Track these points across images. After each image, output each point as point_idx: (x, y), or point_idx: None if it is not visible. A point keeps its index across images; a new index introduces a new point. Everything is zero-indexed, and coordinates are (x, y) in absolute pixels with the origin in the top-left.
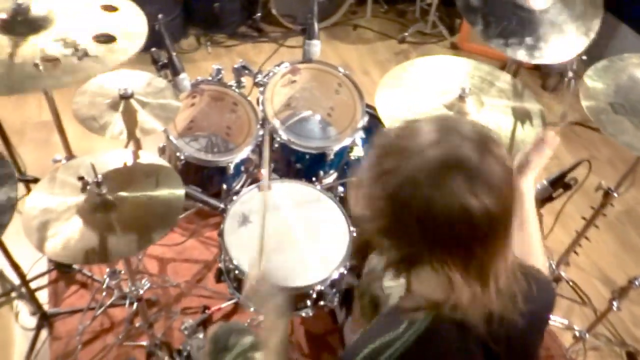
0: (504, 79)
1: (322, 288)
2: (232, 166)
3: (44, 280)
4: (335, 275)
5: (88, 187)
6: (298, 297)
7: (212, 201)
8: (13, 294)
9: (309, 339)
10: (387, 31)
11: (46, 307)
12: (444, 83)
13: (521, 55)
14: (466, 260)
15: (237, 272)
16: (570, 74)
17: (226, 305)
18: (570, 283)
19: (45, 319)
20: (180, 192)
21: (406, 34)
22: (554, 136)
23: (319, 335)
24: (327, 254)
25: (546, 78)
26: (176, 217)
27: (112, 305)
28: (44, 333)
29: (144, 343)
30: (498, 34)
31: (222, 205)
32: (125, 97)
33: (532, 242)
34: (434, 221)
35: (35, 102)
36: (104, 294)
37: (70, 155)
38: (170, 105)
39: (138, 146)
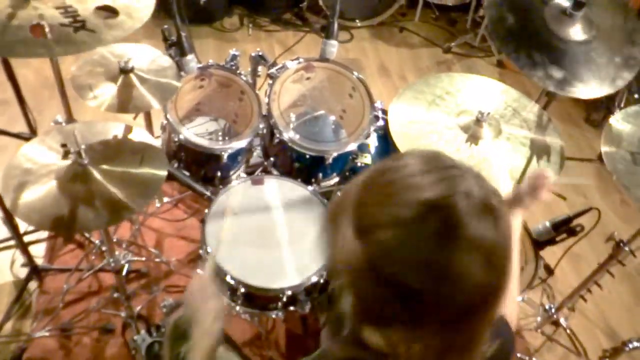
0: (531, 109)
1: (294, 293)
2: (225, 155)
3: (45, 233)
4: (310, 283)
5: (69, 156)
6: (269, 298)
7: (198, 187)
8: (4, 244)
9: (288, 338)
10: (433, 38)
11: (40, 261)
12: (465, 103)
13: (551, 86)
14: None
15: (208, 257)
16: (617, 111)
17: None
18: (568, 331)
19: (35, 273)
20: (162, 173)
21: (453, 44)
22: (549, 177)
23: (299, 336)
24: (306, 260)
25: (591, 111)
26: (151, 197)
27: (102, 270)
28: (33, 285)
29: (122, 314)
30: (532, 63)
31: (207, 193)
32: (125, 70)
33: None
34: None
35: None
36: (93, 257)
37: (70, 119)
38: (169, 85)
39: (149, 120)
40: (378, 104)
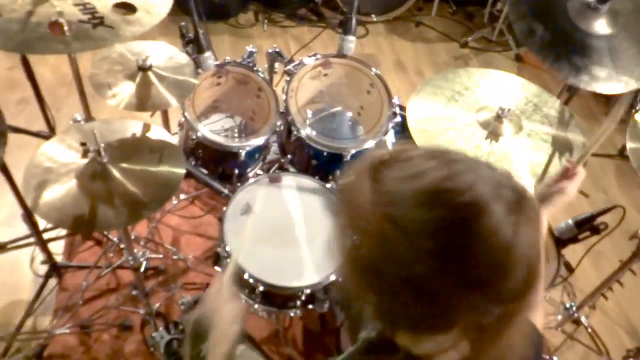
0: (552, 104)
1: (312, 292)
2: (243, 153)
3: (63, 231)
4: (328, 282)
5: (89, 154)
6: (287, 296)
7: (216, 185)
8: (24, 242)
9: (306, 336)
10: (450, 33)
11: (60, 258)
12: (485, 98)
13: (599, 87)
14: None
15: (228, 260)
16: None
17: None
18: (589, 330)
19: (54, 270)
20: (181, 171)
21: (469, 38)
22: (581, 171)
23: (316, 333)
24: (325, 258)
25: (612, 106)
26: (170, 195)
27: (120, 267)
28: (53, 282)
29: (140, 311)
30: (575, 68)
31: (225, 191)
32: (144, 68)
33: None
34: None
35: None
36: (111, 254)
37: (89, 118)
38: (187, 82)
39: (165, 117)
40: (395, 100)
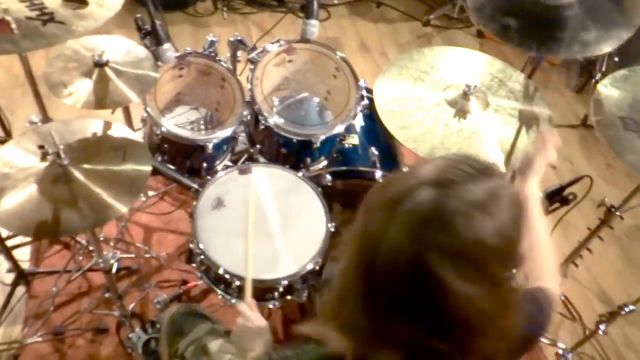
0: (517, 79)
1: (290, 282)
2: (210, 146)
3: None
4: (305, 271)
5: (48, 157)
6: (264, 289)
7: (185, 180)
8: None
9: (286, 325)
10: (412, 12)
11: (26, 265)
12: (450, 77)
13: (567, 54)
14: None
15: (202, 257)
16: (598, 75)
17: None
18: (562, 297)
19: (21, 277)
20: (146, 168)
21: (431, 16)
22: (555, 135)
23: (296, 321)
24: (300, 248)
25: (573, 77)
26: (137, 194)
27: (91, 270)
28: (21, 290)
29: (115, 313)
30: (538, 42)
31: (195, 186)
32: (100, 64)
33: (541, 251)
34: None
35: None
36: (81, 257)
37: (46, 119)
38: (147, 76)
39: (127, 113)
40: (362, 83)
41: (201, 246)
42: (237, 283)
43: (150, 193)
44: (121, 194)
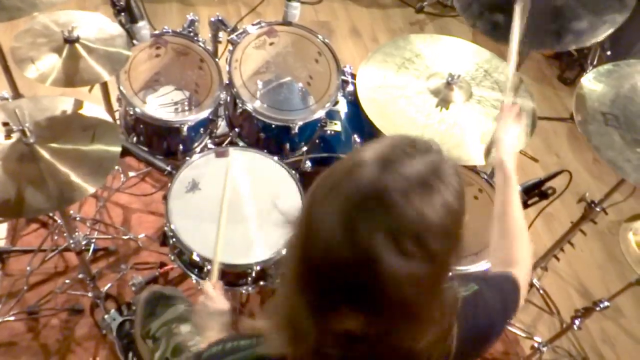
0: (503, 70)
1: (263, 268)
2: (185, 128)
3: None
4: (279, 257)
5: (12, 135)
6: (237, 274)
7: (158, 162)
8: None
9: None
10: None
11: (2, 243)
12: (435, 65)
13: (559, 46)
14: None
15: (174, 239)
16: (590, 68)
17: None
18: (541, 291)
19: None
20: (116, 149)
21: (425, 3)
22: (515, 106)
23: None
24: (275, 233)
25: (565, 69)
26: (105, 175)
27: (67, 250)
28: None
29: (89, 294)
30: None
31: (168, 168)
32: (70, 40)
33: (515, 237)
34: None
35: None
36: (57, 237)
37: (17, 95)
38: (119, 54)
39: (106, 92)
40: (347, 69)
41: (173, 228)
42: (210, 267)
43: (131, 174)
44: (89, 175)
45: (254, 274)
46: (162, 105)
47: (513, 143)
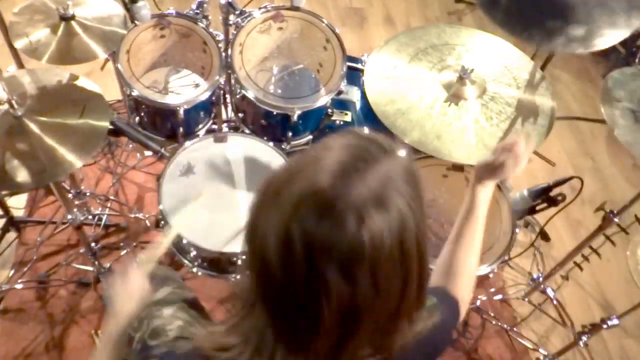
0: (526, 67)
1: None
2: (181, 111)
3: None
4: None
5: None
6: (224, 261)
7: (151, 144)
8: None
9: None
10: None
11: (21, 212)
12: (452, 59)
13: (578, 48)
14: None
15: (163, 222)
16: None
17: None
18: (554, 301)
19: (11, 224)
20: (104, 124)
21: None
22: (526, 144)
23: None
24: None
25: (611, 68)
26: (93, 150)
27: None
28: (12, 236)
29: (91, 269)
30: (547, 33)
31: (161, 150)
32: (66, 18)
33: (467, 254)
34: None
35: None
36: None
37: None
38: (115, 33)
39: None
40: (365, 57)
41: (161, 209)
42: (195, 253)
43: (147, 153)
44: (75, 150)
45: (240, 263)
46: (182, 86)
47: (499, 177)
